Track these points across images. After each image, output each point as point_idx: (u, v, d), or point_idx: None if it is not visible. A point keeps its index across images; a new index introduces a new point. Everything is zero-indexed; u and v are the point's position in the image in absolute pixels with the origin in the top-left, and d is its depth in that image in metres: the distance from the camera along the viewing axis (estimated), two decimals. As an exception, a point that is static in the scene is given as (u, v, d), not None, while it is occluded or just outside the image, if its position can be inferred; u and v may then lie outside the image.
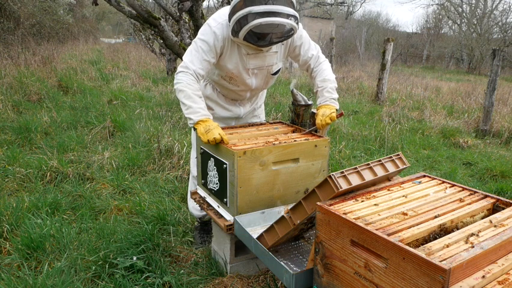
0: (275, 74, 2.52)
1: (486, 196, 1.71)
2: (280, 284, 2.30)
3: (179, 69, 2.30)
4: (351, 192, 1.69)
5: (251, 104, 2.76)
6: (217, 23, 2.28)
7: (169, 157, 4.31)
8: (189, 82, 2.25)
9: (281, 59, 2.50)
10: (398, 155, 1.85)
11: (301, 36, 2.46)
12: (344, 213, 1.49)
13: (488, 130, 6.70)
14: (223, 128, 2.47)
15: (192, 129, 2.76)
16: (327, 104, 2.43)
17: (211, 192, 2.38)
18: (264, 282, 2.32)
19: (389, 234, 1.34)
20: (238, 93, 2.56)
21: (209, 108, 2.60)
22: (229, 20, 2.18)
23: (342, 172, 1.63)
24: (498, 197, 1.68)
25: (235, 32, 2.17)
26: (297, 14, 2.15)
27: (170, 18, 7.87)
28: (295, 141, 2.25)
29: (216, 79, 2.52)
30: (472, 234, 1.37)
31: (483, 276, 1.24)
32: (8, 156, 4.13)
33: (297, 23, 2.18)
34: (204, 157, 2.39)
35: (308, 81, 10.09)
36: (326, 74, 2.50)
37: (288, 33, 2.20)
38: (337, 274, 1.52)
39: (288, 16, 2.09)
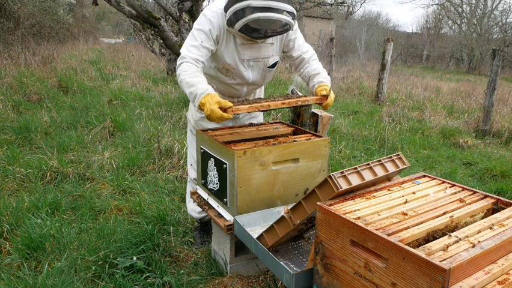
0: (272, 67, 2.51)
1: (486, 196, 1.71)
2: (280, 284, 2.30)
3: (177, 62, 2.28)
4: (351, 192, 1.69)
5: None
6: (212, 11, 2.29)
7: (169, 157, 4.31)
8: (185, 69, 2.21)
9: (277, 52, 2.49)
10: (398, 155, 1.85)
11: (296, 31, 2.47)
12: (344, 213, 1.49)
13: (488, 130, 6.71)
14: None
15: (189, 132, 2.77)
16: (326, 84, 2.39)
17: (211, 192, 2.38)
18: (264, 282, 2.32)
19: (389, 234, 1.34)
20: (234, 87, 2.53)
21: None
22: (226, 10, 2.18)
23: (342, 172, 1.63)
24: (498, 197, 1.68)
25: (231, 22, 2.17)
26: (294, 11, 2.17)
27: (170, 18, 7.86)
28: (295, 141, 2.25)
29: (212, 73, 2.49)
30: (472, 234, 1.37)
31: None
32: (8, 156, 4.13)
33: (294, 20, 2.19)
34: (204, 157, 2.39)
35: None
36: (321, 68, 2.51)
37: (284, 28, 2.21)
38: (337, 274, 1.52)
39: (286, 13, 2.10)
